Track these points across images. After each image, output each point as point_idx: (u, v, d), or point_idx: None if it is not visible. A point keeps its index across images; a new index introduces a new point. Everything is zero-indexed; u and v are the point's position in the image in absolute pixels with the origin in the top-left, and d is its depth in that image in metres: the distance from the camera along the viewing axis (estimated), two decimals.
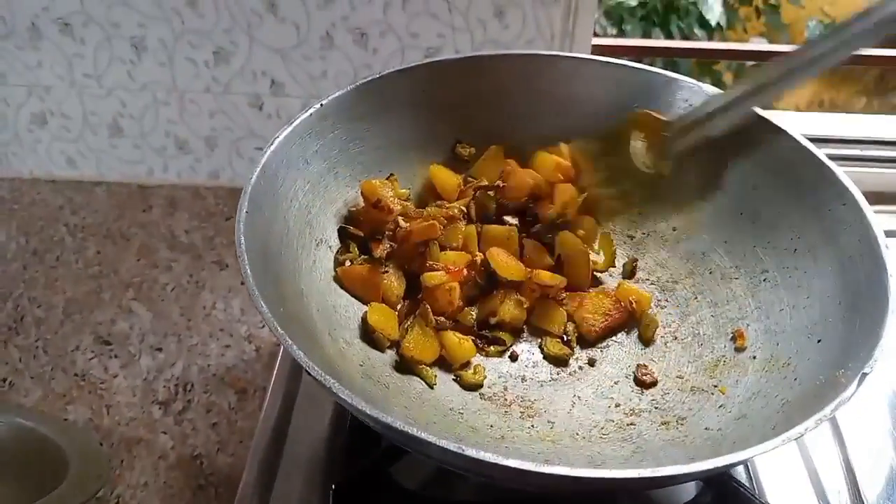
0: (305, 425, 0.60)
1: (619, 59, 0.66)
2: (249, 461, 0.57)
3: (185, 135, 0.98)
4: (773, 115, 0.61)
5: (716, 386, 0.55)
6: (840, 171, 0.56)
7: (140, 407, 0.76)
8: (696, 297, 0.61)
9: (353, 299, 0.58)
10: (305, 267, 0.56)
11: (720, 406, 0.53)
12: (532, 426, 0.53)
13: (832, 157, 0.57)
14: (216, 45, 0.90)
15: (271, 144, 0.55)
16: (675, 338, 0.60)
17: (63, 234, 0.94)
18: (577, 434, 0.53)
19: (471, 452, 0.38)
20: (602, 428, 0.54)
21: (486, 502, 0.55)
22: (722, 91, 0.61)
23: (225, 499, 0.69)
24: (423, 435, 0.39)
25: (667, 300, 0.62)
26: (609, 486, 0.45)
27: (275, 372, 0.64)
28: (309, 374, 0.41)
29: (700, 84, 0.64)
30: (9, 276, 0.89)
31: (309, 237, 0.58)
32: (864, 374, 0.44)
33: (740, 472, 0.56)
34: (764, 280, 0.58)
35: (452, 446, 0.38)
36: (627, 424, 0.54)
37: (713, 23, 2.08)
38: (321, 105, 0.59)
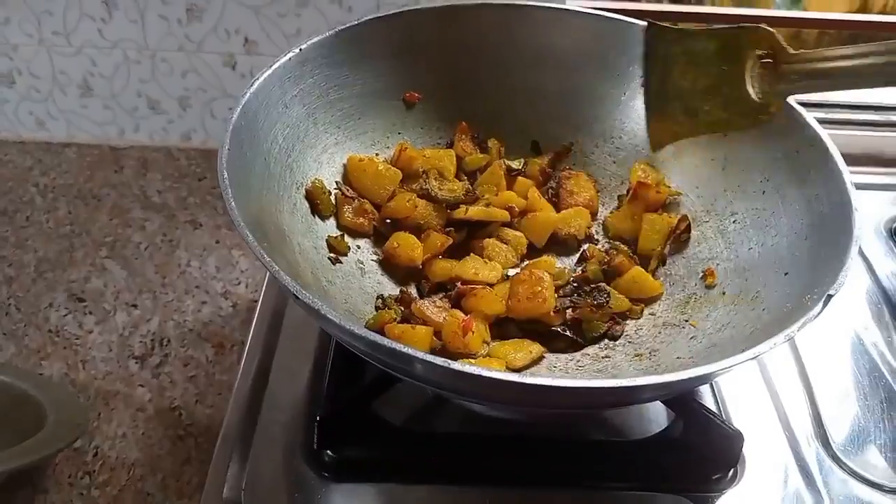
0: (287, 371, 0.61)
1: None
2: (231, 405, 0.58)
3: (158, 95, 0.97)
4: None
5: (686, 320, 0.57)
6: (809, 115, 0.58)
7: (116, 361, 0.75)
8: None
9: None
10: (287, 209, 0.57)
11: (691, 338, 0.55)
12: None
13: None
14: (189, 2, 0.89)
15: (251, 86, 0.56)
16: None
17: (33, 195, 0.93)
18: (555, 367, 0.55)
19: (455, 366, 0.39)
20: (577, 361, 0.55)
21: (466, 434, 0.56)
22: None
23: (205, 448, 0.69)
24: (410, 351, 0.40)
25: None
26: (586, 401, 0.46)
27: (254, 321, 0.65)
28: (297, 298, 0.42)
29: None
30: None
31: (290, 180, 0.58)
32: (830, 296, 0.46)
33: (708, 402, 0.59)
34: (733, 221, 0.60)
35: (438, 360, 0.39)
36: (602, 357, 0.55)
37: None
38: (300, 49, 0.60)
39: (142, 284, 0.83)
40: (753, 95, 0.59)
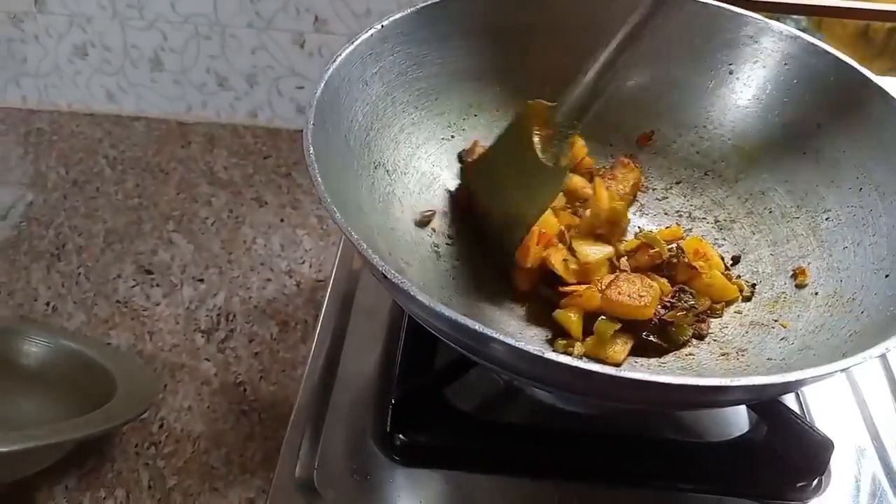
0: (357, 353, 0.60)
1: None
2: (304, 384, 0.57)
3: (226, 71, 0.97)
4: (840, 53, 0.60)
5: (776, 320, 0.54)
6: None
7: (182, 334, 0.76)
8: (754, 236, 0.61)
9: (409, 224, 0.58)
10: (365, 188, 0.56)
11: (781, 339, 0.53)
12: None
13: None
14: None
15: (334, 61, 0.55)
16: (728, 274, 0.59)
17: (102, 166, 0.94)
18: (636, 361, 0.53)
19: (536, 351, 0.38)
20: (660, 358, 0.53)
21: (538, 426, 0.55)
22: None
23: (268, 425, 0.69)
24: (493, 333, 0.38)
25: (724, 239, 0.62)
26: (673, 399, 0.44)
27: (325, 301, 0.64)
28: (385, 278, 0.41)
29: (767, 20, 0.62)
30: (49, 205, 0.89)
31: (367, 158, 0.57)
32: None
33: (791, 405, 0.56)
34: (826, 219, 0.58)
35: (521, 345, 0.38)
36: (686, 355, 0.53)
37: None
38: (381, 26, 0.59)
39: (208, 259, 0.83)
40: (546, 162, 0.56)
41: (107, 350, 0.72)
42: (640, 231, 0.61)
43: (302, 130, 0.97)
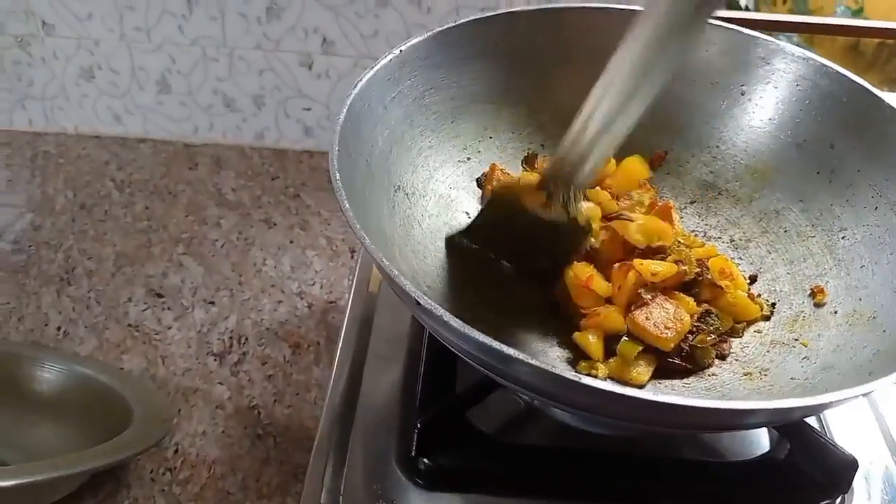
0: (378, 375, 0.60)
1: None
2: (326, 409, 0.57)
3: (233, 93, 0.97)
4: (851, 73, 0.60)
5: (797, 339, 0.55)
6: None
7: (195, 358, 0.76)
8: (770, 255, 0.61)
9: (429, 247, 0.58)
10: (386, 211, 0.56)
11: (804, 358, 0.53)
12: None
13: None
14: (269, 1, 0.90)
15: (355, 87, 0.55)
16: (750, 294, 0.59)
17: (110, 189, 0.94)
18: (660, 383, 0.53)
19: (564, 374, 0.38)
20: (683, 379, 0.54)
21: (561, 448, 0.55)
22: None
23: (283, 449, 0.69)
24: (525, 357, 0.38)
25: (740, 258, 0.62)
26: (700, 422, 0.44)
27: (343, 324, 0.64)
28: (418, 304, 0.41)
29: (779, 41, 0.63)
30: (58, 228, 0.89)
31: (387, 183, 0.57)
32: None
33: (812, 423, 0.56)
34: (842, 238, 0.58)
35: (546, 367, 0.38)
36: (709, 375, 0.53)
37: (742, 4, 2.06)
38: (400, 51, 0.59)
39: (219, 282, 0.83)
40: (557, 219, 0.54)
41: (120, 375, 0.71)
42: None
43: (309, 151, 0.98)
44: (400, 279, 0.42)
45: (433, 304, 0.40)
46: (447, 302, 0.55)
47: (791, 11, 2.33)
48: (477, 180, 0.64)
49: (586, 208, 0.57)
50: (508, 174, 0.64)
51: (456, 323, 0.40)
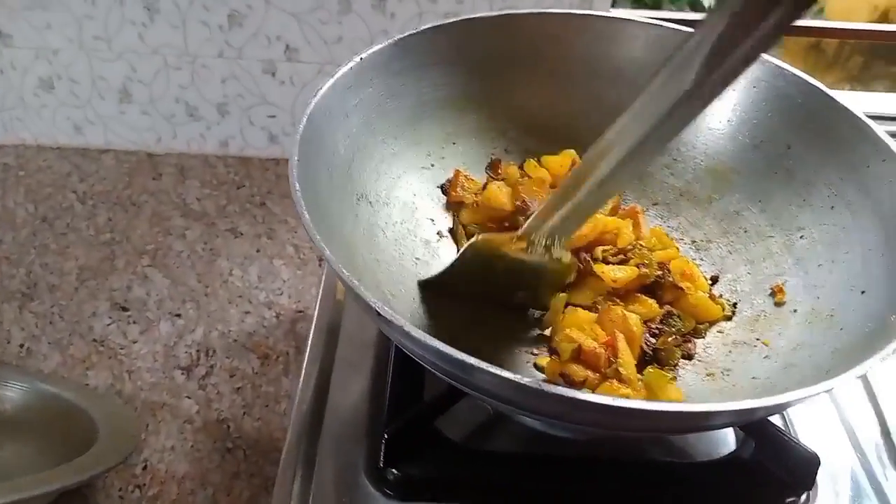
0: (345, 385, 0.60)
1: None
2: (293, 421, 0.57)
3: (196, 101, 0.96)
4: (806, 74, 0.61)
5: (758, 339, 0.55)
6: (879, 128, 0.57)
7: (162, 372, 0.75)
8: (731, 255, 0.62)
9: (394, 255, 0.58)
10: (349, 220, 0.56)
11: (765, 357, 0.54)
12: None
13: None
14: (231, 8, 0.89)
15: (315, 95, 0.55)
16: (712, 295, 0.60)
17: (72, 201, 0.93)
18: None
19: (525, 382, 0.38)
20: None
21: (530, 454, 0.55)
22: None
23: (254, 461, 0.68)
24: (484, 365, 0.38)
25: (702, 259, 0.63)
26: (664, 425, 0.45)
27: (310, 334, 0.64)
28: (379, 316, 0.41)
29: None
30: (19, 242, 0.87)
31: (350, 191, 0.57)
32: None
33: (775, 420, 0.57)
34: (801, 237, 0.59)
35: (509, 375, 0.38)
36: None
37: (706, 4, 2.08)
38: (361, 59, 0.59)
39: (185, 293, 0.82)
40: (538, 260, 0.54)
41: (85, 392, 0.70)
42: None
43: (275, 159, 0.97)
44: (360, 289, 0.41)
45: (393, 314, 0.40)
46: (411, 311, 0.55)
47: None
48: (441, 187, 0.64)
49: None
50: (472, 180, 0.64)
51: (416, 333, 0.40)
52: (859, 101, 0.94)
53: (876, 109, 0.93)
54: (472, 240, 0.56)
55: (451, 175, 0.64)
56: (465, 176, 0.64)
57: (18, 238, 0.87)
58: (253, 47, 0.92)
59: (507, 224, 0.61)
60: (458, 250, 0.61)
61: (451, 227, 0.64)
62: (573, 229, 0.53)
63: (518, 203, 0.60)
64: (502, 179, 0.64)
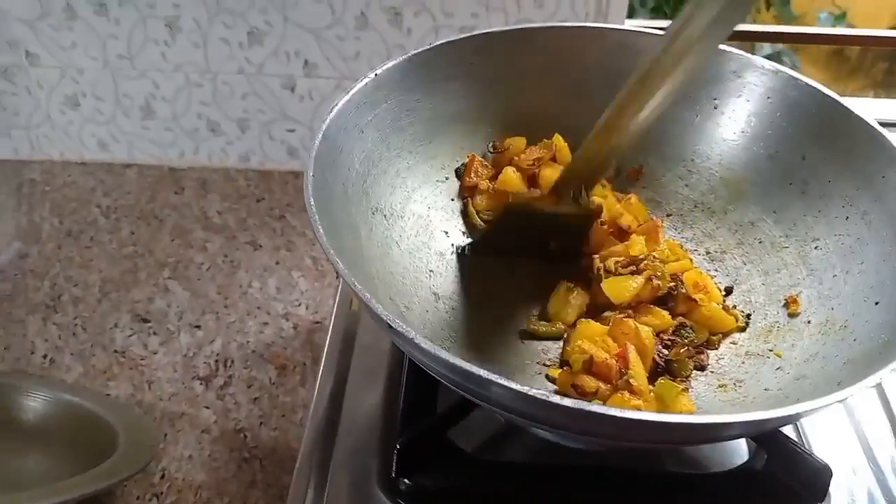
0: (360, 395, 0.60)
1: None
2: (307, 430, 0.57)
3: (217, 117, 0.98)
4: (821, 85, 0.61)
5: (771, 350, 0.55)
6: (894, 137, 0.56)
7: (181, 382, 0.76)
8: (745, 266, 0.62)
9: (407, 267, 0.59)
10: (363, 234, 0.57)
11: (777, 368, 0.53)
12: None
13: None
14: (250, 26, 0.91)
15: (331, 111, 0.56)
16: (725, 306, 0.60)
17: (96, 216, 0.95)
18: None
19: (539, 395, 0.39)
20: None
21: (542, 465, 0.55)
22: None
23: (270, 471, 0.69)
24: (496, 377, 0.39)
25: (716, 270, 0.63)
26: (675, 437, 0.45)
27: (325, 346, 0.65)
28: (390, 328, 0.41)
29: (749, 55, 0.64)
30: (44, 256, 0.89)
31: (365, 205, 0.58)
32: None
33: (789, 431, 0.57)
34: (815, 248, 0.59)
35: (522, 388, 0.39)
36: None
37: None
38: (375, 75, 0.60)
39: (205, 305, 0.84)
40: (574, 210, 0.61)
41: (106, 402, 0.72)
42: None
43: (294, 172, 0.98)
44: (371, 302, 0.42)
45: (405, 326, 0.41)
46: (423, 322, 0.55)
47: (775, 18, 2.36)
48: (456, 171, 0.65)
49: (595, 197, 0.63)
50: (487, 166, 0.65)
51: (427, 345, 0.40)
52: (883, 109, 0.95)
53: None
54: (509, 202, 0.62)
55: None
56: (480, 161, 0.64)
57: (44, 252, 0.90)
58: (272, 64, 0.93)
59: None
60: (467, 242, 0.64)
61: (462, 209, 0.65)
62: (599, 176, 0.60)
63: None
64: (505, 150, 0.65)
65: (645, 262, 0.57)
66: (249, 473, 0.69)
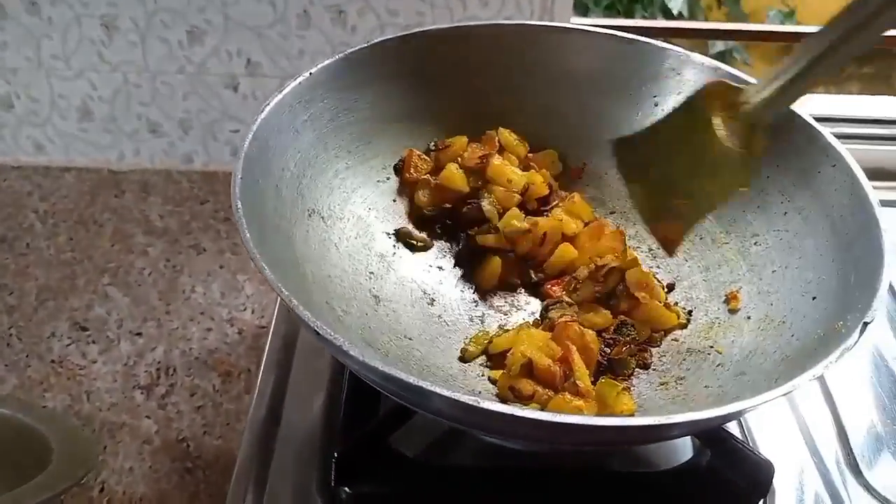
0: (299, 403, 0.59)
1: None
2: (245, 439, 0.56)
3: (158, 118, 0.96)
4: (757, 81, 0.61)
5: (712, 346, 0.55)
6: (829, 133, 0.57)
7: (121, 392, 0.74)
8: (686, 263, 0.62)
9: (346, 270, 0.58)
10: (299, 236, 0.55)
11: (718, 365, 0.53)
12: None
13: None
14: (190, 24, 0.88)
15: (262, 112, 0.54)
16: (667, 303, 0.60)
17: (32, 221, 0.92)
18: None
19: (471, 401, 0.38)
20: None
21: (485, 468, 0.54)
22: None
23: (213, 481, 0.67)
24: (436, 389, 0.38)
25: (658, 266, 0.63)
26: (618, 438, 0.45)
27: (265, 351, 0.63)
28: (318, 334, 0.40)
29: (688, 52, 0.64)
30: None
31: (301, 207, 0.57)
32: (866, 323, 0.44)
33: (733, 427, 0.57)
34: (755, 244, 0.59)
35: (454, 395, 0.38)
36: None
37: (675, 12, 2.10)
38: (310, 74, 0.58)
39: (146, 312, 0.82)
40: (735, 147, 0.55)
41: (41, 413, 0.69)
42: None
43: None
44: (299, 308, 0.41)
45: (332, 333, 0.40)
46: (362, 327, 0.54)
47: (726, 16, 2.39)
48: (394, 167, 0.64)
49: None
50: (426, 160, 0.64)
51: (355, 352, 0.39)
52: (821, 105, 0.96)
53: (847, 113, 0.93)
54: (703, 87, 0.56)
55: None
56: (419, 155, 0.63)
57: None
58: (214, 63, 0.91)
59: (468, 202, 0.62)
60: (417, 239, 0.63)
61: (408, 210, 0.64)
62: (789, 101, 0.53)
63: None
64: (446, 147, 0.64)
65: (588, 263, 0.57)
66: (192, 484, 0.67)
